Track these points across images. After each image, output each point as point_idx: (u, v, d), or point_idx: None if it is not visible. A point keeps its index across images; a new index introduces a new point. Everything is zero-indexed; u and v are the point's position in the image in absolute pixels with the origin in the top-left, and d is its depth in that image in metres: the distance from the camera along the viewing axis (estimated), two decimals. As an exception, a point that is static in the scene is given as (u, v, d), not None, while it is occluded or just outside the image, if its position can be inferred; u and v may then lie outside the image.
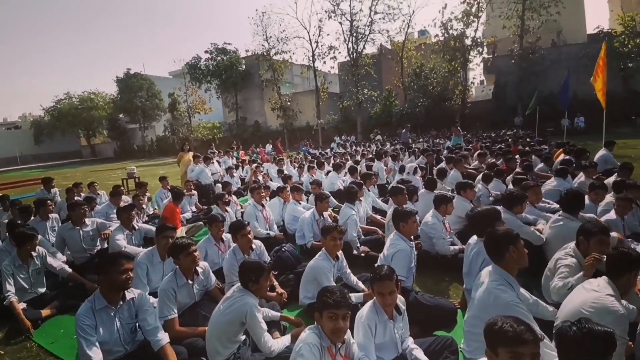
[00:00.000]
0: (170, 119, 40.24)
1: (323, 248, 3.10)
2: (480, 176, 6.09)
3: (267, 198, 6.76)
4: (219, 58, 35.78)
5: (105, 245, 4.52)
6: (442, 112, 28.10)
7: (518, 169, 6.36)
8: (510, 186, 5.50)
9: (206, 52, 35.87)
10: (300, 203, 5.28)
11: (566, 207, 3.08)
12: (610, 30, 23.42)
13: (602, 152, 7.35)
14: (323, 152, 17.19)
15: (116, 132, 43.08)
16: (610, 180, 4.93)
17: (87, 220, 4.63)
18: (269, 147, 21.10)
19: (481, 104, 29.82)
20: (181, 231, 5.56)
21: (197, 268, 2.91)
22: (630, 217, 3.40)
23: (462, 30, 26.60)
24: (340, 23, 30.97)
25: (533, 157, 7.79)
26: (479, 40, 26.51)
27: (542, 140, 12.90)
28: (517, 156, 7.88)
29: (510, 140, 12.70)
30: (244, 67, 36.53)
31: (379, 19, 30.31)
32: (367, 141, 23.80)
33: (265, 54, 33.91)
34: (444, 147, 12.65)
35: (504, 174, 6.18)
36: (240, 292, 2.40)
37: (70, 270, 3.87)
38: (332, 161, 10.91)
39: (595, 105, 22.24)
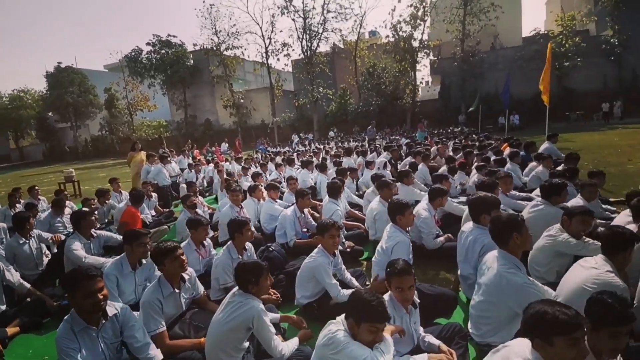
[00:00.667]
0: (107, 117, 36.81)
1: (319, 245, 2.97)
2: (445, 168, 6.45)
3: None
4: (162, 51, 33.42)
5: (55, 250, 3.97)
6: (394, 110, 29.40)
7: (478, 163, 6.78)
8: (475, 178, 5.87)
9: (148, 44, 33.31)
10: (276, 201, 5.06)
11: (545, 194, 3.31)
12: (546, 32, 25.99)
13: (546, 144, 8.12)
14: (284, 150, 16.94)
15: (45, 133, 38.28)
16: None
17: (33, 231, 4.02)
18: (224, 145, 20.26)
19: (429, 103, 31.63)
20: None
21: (184, 275, 2.62)
22: (594, 203, 3.75)
23: (411, 32, 27.94)
24: (294, 20, 30.85)
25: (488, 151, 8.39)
26: (425, 42, 28.01)
27: (487, 136, 14.00)
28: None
29: (462, 136, 13.56)
30: (192, 62, 34.59)
31: (332, 17, 30.73)
32: (325, 139, 24.02)
33: (215, 48, 32.51)
34: (403, 144, 13.15)
35: (466, 167, 6.55)
36: (242, 297, 2.19)
37: (28, 285, 3.38)
38: (296, 159, 10.74)
39: (527, 104, 24.97)
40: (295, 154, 12.45)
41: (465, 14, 26.16)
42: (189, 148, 15.27)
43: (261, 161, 11.50)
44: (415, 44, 28.19)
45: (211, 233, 4.81)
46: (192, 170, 9.53)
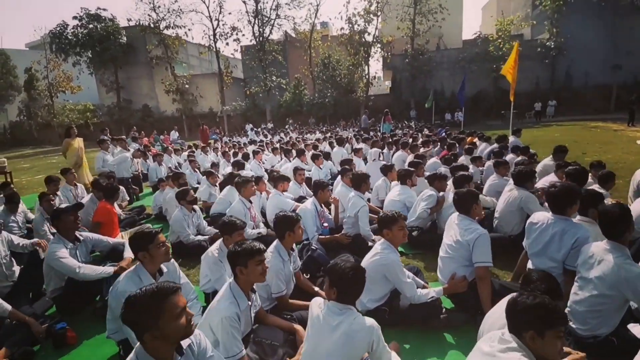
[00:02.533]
0: (26, 100, 31.27)
1: (383, 240, 2.65)
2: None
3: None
4: (91, 26, 29.23)
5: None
6: (349, 103, 29.73)
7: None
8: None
9: (75, 18, 28.86)
10: (283, 193, 4.56)
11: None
12: (487, 36, 28.15)
13: (512, 138, 8.76)
14: (238, 141, 15.97)
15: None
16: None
17: None
18: (174, 134, 18.41)
19: (381, 97, 32.57)
20: (121, 237, 4.19)
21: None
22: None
23: (365, 26, 28.31)
24: (245, 2, 29.21)
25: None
26: (378, 37, 28.63)
27: (445, 130, 14.77)
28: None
29: (426, 130, 14.07)
30: (125, 39, 30.79)
31: (285, 4, 29.81)
32: (281, 129, 23.35)
33: (153, 25, 29.36)
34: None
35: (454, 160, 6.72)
36: (346, 314, 1.77)
37: (9, 307, 2.49)
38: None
39: (468, 103, 27.01)
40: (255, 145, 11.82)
41: (415, 13, 27.26)
42: (139, 135, 13.46)
43: (227, 150, 10.61)
44: (369, 38, 28.67)
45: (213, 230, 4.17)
46: (154, 161, 8.33)
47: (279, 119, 29.74)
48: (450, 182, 4.04)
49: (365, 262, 2.62)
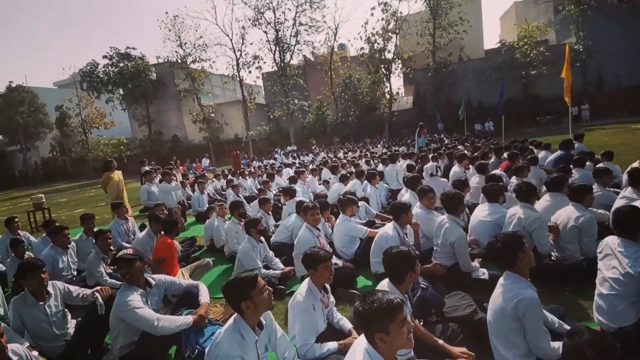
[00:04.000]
0: (58, 137, 33.11)
1: (515, 274, 2.11)
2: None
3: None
4: (121, 64, 30.98)
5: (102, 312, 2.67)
6: (372, 121, 29.52)
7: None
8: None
9: (105, 57, 30.73)
10: (352, 219, 4.11)
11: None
12: (512, 43, 27.56)
13: (576, 144, 8.02)
14: (268, 163, 15.88)
15: (-7, 157, 33.46)
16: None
17: (50, 286, 2.74)
18: (205, 161, 18.65)
19: (404, 112, 32.19)
20: (181, 276, 3.84)
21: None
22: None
23: (384, 45, 28.43)
24: (265, 32, 30.19)
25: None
26: (398, 54, 28.60)
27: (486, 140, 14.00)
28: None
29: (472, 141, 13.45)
30: (154, 75, 32.39)
31: (304, 30, 30.52)
32: (307, 151, 23.25)
33: (180, 61, 30.77)
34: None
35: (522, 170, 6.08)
36: None
37: None
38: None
39: (497, 111, 26.03)
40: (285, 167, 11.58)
41: (435, 27, 27.13)
42: (176, 165, 13.62)
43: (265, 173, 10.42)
44: (389, 55, 28.70)
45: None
46: (196, 189, 8.17)
47: (303, 140, 29.84)
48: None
49: (497, 304, 2.09)
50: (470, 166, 6.41)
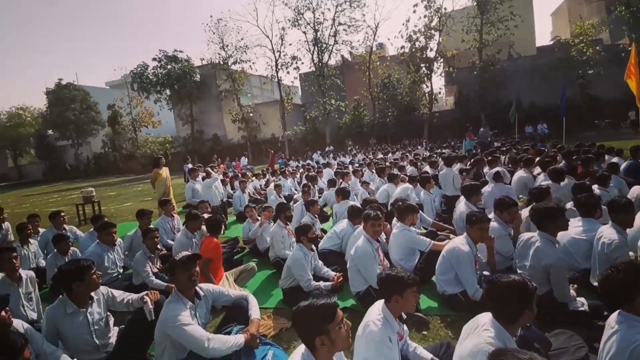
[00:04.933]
0: (110, 134, 35.50)
1: (626, 313, 1.61)
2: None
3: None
4: (169, 66, 32.56)
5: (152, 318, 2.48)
6: (410, 122, 28.48)
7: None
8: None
9: (154, 59, 32.44)
10: (411, 228, 3.68)
11: None
12: (567, 40, 25.42)
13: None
14: (305, 163, 15.69)
15: (44, 151, 36.71)
16: None
17: (97, 291, 2.56)
18: (244, 160, 18.92)
19: (445, 113, 30.78)
20: (226, 280, 3.64)
21: None
22: None
23: (426, 43, 27.33)
24: (304, 32, 30.22)
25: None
26: (441, 52, 27.34)
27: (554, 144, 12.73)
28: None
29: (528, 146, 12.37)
30: (198, 77, 33.69)
31: (343, 30, 30.17)
32: (343, 152, 22.86)
33: (222, 62, 31.70)
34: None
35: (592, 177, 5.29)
36: None
37: None
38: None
39: (552, 113, 24.17)
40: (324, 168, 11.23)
41: (483, 23, 25.59)
42: (217, 163, 13.87)
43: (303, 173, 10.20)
44: (431, 54, 27.54)
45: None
46: (236, 187, 8.11)
47: (339, 141, 29.49)
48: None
49: (611, 351, 1.60)
50: (536, 172, 5.71)
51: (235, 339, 2.10)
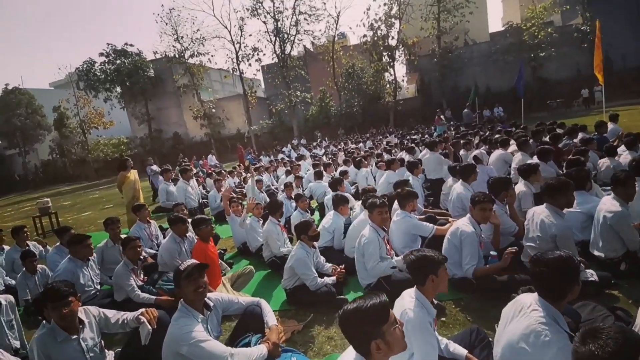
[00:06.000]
0: (57, 138, 32.47)
1: None
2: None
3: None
4: (118, 62, 30.16)
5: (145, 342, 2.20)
6: (377, 111, 28.89)
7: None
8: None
9: (101, 54, 29.87)
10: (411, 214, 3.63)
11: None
12: (518, 25, 26.78)
13: (611, 125, 7.55)
14: (280, 157, 15.37)
15: (-8, 162, 32.89)
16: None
17: (82, 314, 2.23)
18: (212, 158, 18.12)
19: (409, 101, 31.58)
20: (223, 287, 3.40)
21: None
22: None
23: (387, 31, 27.67)
24: (265, 22, 29.33)
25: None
26: (402, 40, 27.83)
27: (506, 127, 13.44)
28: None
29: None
30: (152, 72, 31.59)
31: (304, 19, 29.67)
32: (314, 143, 22.71)
33: (178, 56, 29.99)
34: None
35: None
36: None
37: None
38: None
39: (506, 96, 25.56)
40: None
41: (440, 10, 26.34)
42: (184, 162, 13.12)
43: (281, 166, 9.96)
44: (393, 42, 27.95)
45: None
46: (211, 187, 7.70)
47: (306, 133, 29.26)
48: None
49: None
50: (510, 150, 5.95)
51: (259, 351, 1.91)
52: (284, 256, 3.95)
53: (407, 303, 1.82)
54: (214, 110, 31.43)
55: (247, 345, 2.05)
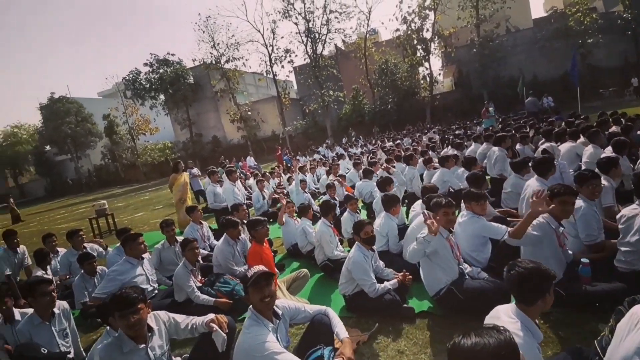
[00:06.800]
0: (108, 144, 35.00)
1: None
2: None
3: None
4: (161, 71, 31.86)
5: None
6: (412, 107, 27.99)
7: None
8: None
9: (146, 64, 31.73)
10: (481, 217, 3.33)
11: None
12: (563, 10, 24.91)
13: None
14: (320, 157, 15.32)
15: (44, 167, 36.26)
16: None
17: (151, 320, 2.16)
18: (250, 159, 18.53)
19: (446, 95, 30.31)
20: (279, 291, 3.32)
21: None
22: None
23: (421, 23, 26.72)
24: (296, 23, 29.53)
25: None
26: (438, 32, 26.73)
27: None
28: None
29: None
30: (192, 79, 33.03)
31: (334, 18, 29.49)
32: (349, 143, 22.46)
33: (214, 62, 31.09)
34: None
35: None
36: None
37: None
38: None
39: (555, 85, 23.74)
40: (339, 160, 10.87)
41: (479, -2, 25.01)
42: (226, 164, 13.52)
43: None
44: (427, 34, 26.92)
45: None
46: (255, 188, 7.78)
47: (340, 132, 29.05)
48: None
49: None
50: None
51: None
52: (338, 260, 3.83)
53: (507, 325, 1.59)
54: (249, 113, 32.25)
55: (320, 358, 1.94)
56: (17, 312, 2.85)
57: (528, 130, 8.05)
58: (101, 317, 2.69)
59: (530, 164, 4.18)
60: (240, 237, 4.01)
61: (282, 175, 10.67)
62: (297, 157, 16.79)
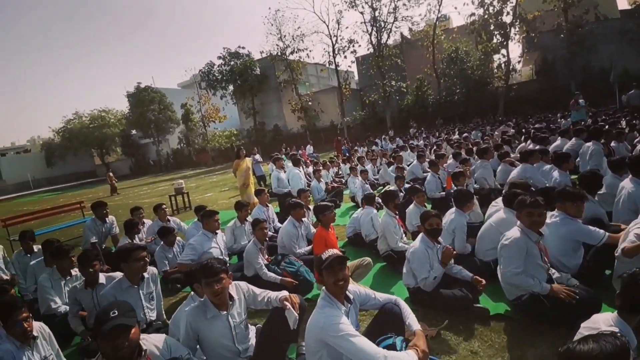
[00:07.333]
0: (184, 130, 38.57)
1: None
2: None
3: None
4: (232, 63, 33.89)
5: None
6: (482, 98, 25.81)
7: None
8: None
9: (219, 57, 34.04)
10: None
11: None
12: None
13: None
14: (378, 148, 15.01)
15: (130, 148, 41.53)
16: None
17: (233, 290, 2.31)
18: (309, 148, 18.92)
19: (524, 85, 27.46)
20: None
21: None
22: None
23: (501, 6, 24.31)
24: (362, 13, 28.94)
25: None
26: (520, 15, 24.08)
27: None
28: None
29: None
30: (258, 70, 34.53)
31: (402, 5, 28.23)
32: (408, 135, 21.62)
33: (280, 54, 32.00)
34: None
35: None
36: None
37: None
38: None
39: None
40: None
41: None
42: (286, 152, 14.02)
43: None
44: (507, 18, 24.42)
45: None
46: (312, 177, 7.92)
47: (400, 124, 28.03)
48: None
49: None
50: None
51: (410, 358, 1.74)
52: (401, 251, 3.73)
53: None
54: (310, 103, 32.79)
55: (392, 347, 1.91)
56: (102, 276, 3.07)
57: (624, 126, 6.93)
58: (189, 284, 2.94)
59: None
60: (304, 219, 4.12)
61: (341, 164, 10.69)
62: (356, 148, 16.66)
